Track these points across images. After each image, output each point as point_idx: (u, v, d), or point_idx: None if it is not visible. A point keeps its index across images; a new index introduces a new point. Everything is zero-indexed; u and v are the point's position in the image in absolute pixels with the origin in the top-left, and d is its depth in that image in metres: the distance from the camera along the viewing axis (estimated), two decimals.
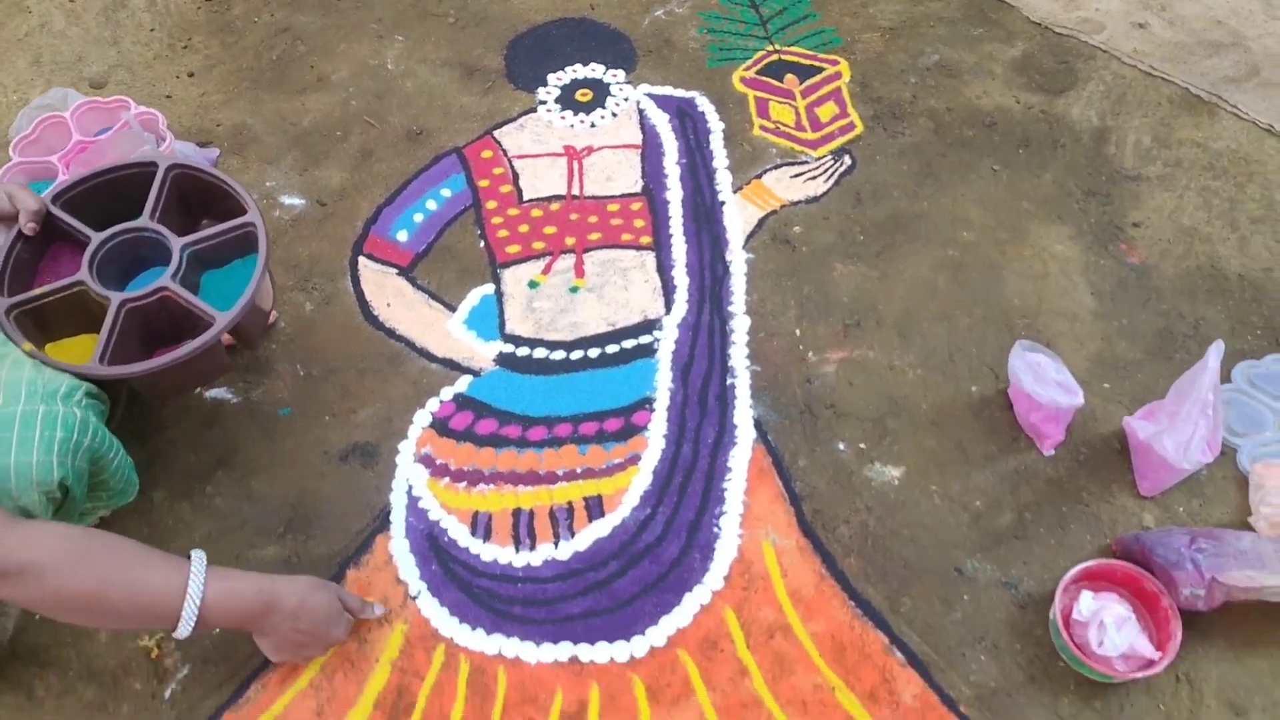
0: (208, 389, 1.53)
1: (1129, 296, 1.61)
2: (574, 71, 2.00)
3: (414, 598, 1.35)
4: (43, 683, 1.28)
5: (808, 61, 2.00)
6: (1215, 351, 1.30)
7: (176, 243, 1.31)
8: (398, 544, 1.40)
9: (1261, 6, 2.01)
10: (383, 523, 1.42)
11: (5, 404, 1.13)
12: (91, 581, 1.05)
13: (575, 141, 1.86)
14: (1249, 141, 1.79)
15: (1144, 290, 1.61)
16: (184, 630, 1.09)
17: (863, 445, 1.47)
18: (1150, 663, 1.22)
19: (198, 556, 1.12)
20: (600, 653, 1.30)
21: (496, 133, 1.88)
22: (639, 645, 1.31)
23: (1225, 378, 1.50)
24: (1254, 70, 1.88)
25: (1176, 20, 2.00)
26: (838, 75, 1.97)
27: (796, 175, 1.79)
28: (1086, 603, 1.27)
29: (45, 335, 1.28)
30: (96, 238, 1.31)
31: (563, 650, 1.31)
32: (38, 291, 1.26)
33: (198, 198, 1.41)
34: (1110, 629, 1.24)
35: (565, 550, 1.39)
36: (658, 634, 1.32)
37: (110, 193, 1.37)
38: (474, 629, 1.33)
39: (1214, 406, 1.32)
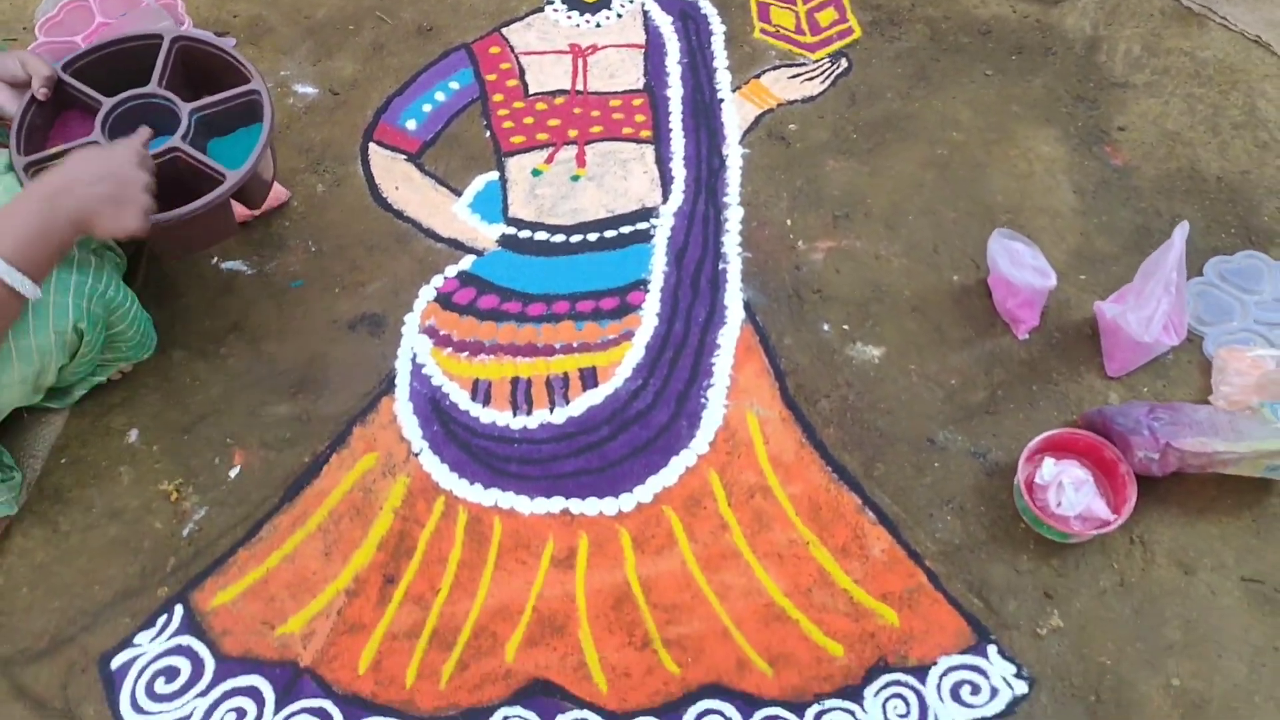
0: (226, 253, 1.61)
1: (1109, 195, 1.66)
2: None
3: (416, 454, 1.43)
4: (67, 519, 1.38)
5: None
6: (1180, 232, 1.36)
7: (185, 107, 1.37)
8: (402, 406, 1.48)
9: None
10: (388, 386, 1.50)
11: None
12: None
13: (580, 40, 1.91)
14: (1235, 51, 1.84)
15: (1125, 190, 1.67)
16: (21, 283, 1.09)
17: (846, 326, 1.54)
18: (1106, 524, 1.30)
19: None
20: (590, 506, 1.39)
21: (504, 30, 1.93)
22: (626, 501, 1.39)
23: (1197, 271, 1.56)
24: None
25: None
26: None
27: (794, 76, 1.84)
28: (1048, 468, 1.35)
29: None
30: (107, 102, 1.36)
31: (555, 504, 1.39)
32: (53, 150, 1.32)
33: (202, 73, 1.46)
34: (1069, 489, 1.32)
35: (560, 415, 1.47)
36: (645, 491, 1.40)
37: (118, 64, 1.42)
38: (472, 483, 1.41)
39: (1177, 286, 1.38)
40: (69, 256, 1.21)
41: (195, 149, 1.35)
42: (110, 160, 1.19)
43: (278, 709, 1.24)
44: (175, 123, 1.36)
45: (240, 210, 1.57)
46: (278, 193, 1.65)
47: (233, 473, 1.42)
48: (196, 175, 1.34)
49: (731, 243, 1.64)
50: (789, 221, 1.66)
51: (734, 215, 1.67)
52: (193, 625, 1.30)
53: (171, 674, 1.26)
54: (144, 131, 1.27)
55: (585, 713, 1.24)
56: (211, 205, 1.30)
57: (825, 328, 1.54)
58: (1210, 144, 1.72)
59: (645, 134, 1.77)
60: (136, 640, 1.28)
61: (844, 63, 1.87)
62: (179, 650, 1.28)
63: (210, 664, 1.27)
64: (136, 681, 1.25)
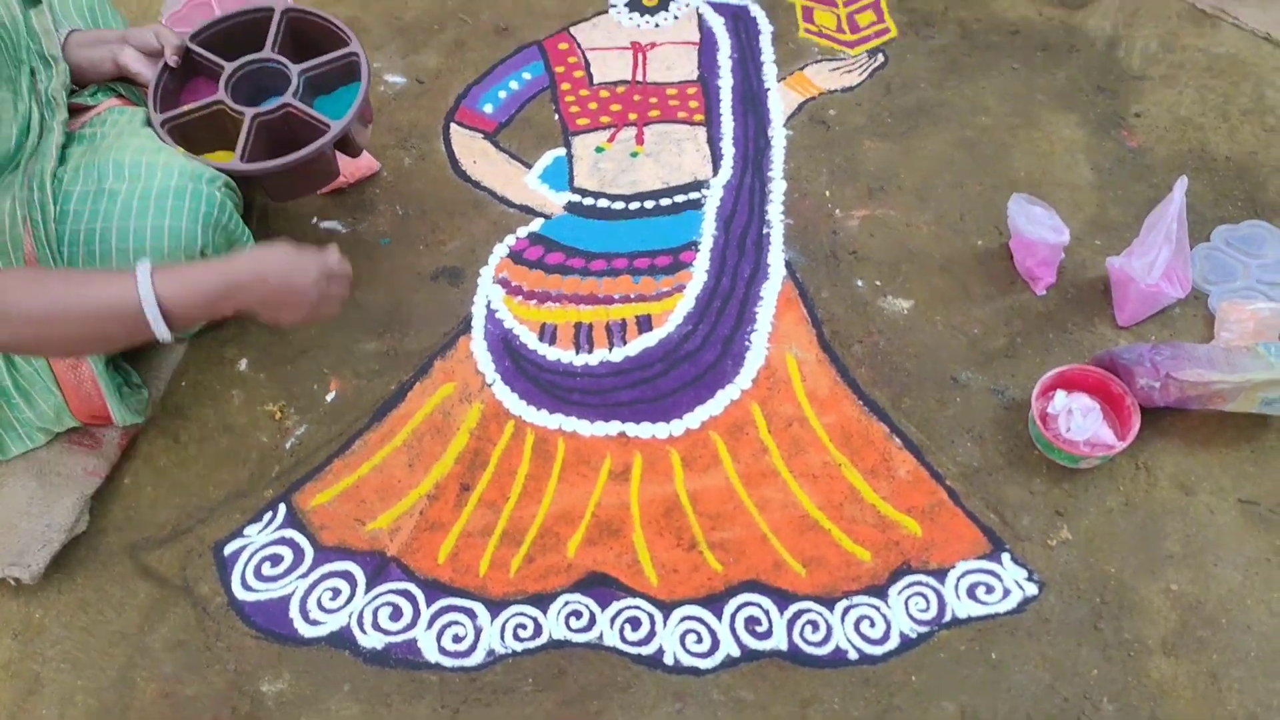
0: (324, 212, 1.81)
1: (1124, 172, 1.81)
2: None
3: (489, 385, 1.61)
4: (186, 432, 1.57)
5: None
6: (1180, 186, 1.51)
7: (295, 69, 1.58)
8: (477, 344, 1.66)
9: None
10: (465, 327, 1.68)
11: (163, 178, 1.39)
12: (47, 300, 1.17)
13: (641, 38, 2.11)
14: (1246, 47, 1.98)
15: (1139, 167, 1.82)
16: (161, 331, 1.21)
17: (878, 282, 1.70)
18: (1112, 448, 1.44)
19: (141, 264, 1.22)
20: (644, 430, 1.55)
21: (572, 29, 2.14)
22: (676, 426, 1.55)
23: (1205, 237, 1.70)
24: None
25: None
26: None
27: (835, 69, 2.02)
28: (1059, 400, 1.49)
29: (189, 149, 1.50)
30: (229, 67, 1.57)
31: (612, 427, 1.56)
32: (186, 108, 1.53)
33: (308, 39, 1.66)
34: (1077, 415, 1.45)
35: (618, 354, 1.64)
36: (693, 419, 1.56)
37: (237, 34, 1.63)
38: (539, 410, 1.58)
39: (1178, 237, 1.52)
40: (199, 190, 1.41)
41: (304, 105, 1.56)
42: (299, 271, 1.31)
43: (369, 589, 1.41)
44: (286, 83, 1.57)
45: (338, 179, 1.78)
46: (370, 163, 1.86)
47: (329, 397, 1.60)
48: (305, 127, 1.54)
49: (775, 210, 1.81)
50: (828, 193, 1.82)
51: (777, 188, 1.84)
52: (294, 521, 1.48)
53: (276, 560, 1.44)
54: (333, 250, 1.39)
55: (639, 600, 1.39)
56: (318, 152, 1.50)
57: (859, 283, 1.70)
58: (1220, 128, 1.86)
59: (698, 118, 1.96)
60: (246, 532, 1.46)
61: (880, 58, 2.04)
62: (282, 541, 1.46)
63: (310, 552, 1.45)
64: (246, 565, 1.43)
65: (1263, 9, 2.01)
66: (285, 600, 1.41)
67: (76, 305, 1.20)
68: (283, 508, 1.49)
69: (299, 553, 1.44)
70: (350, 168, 1.83)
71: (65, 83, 1.47)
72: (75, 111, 1.52)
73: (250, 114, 1.53)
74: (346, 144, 1.60)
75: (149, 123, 1.51)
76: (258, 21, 1.64)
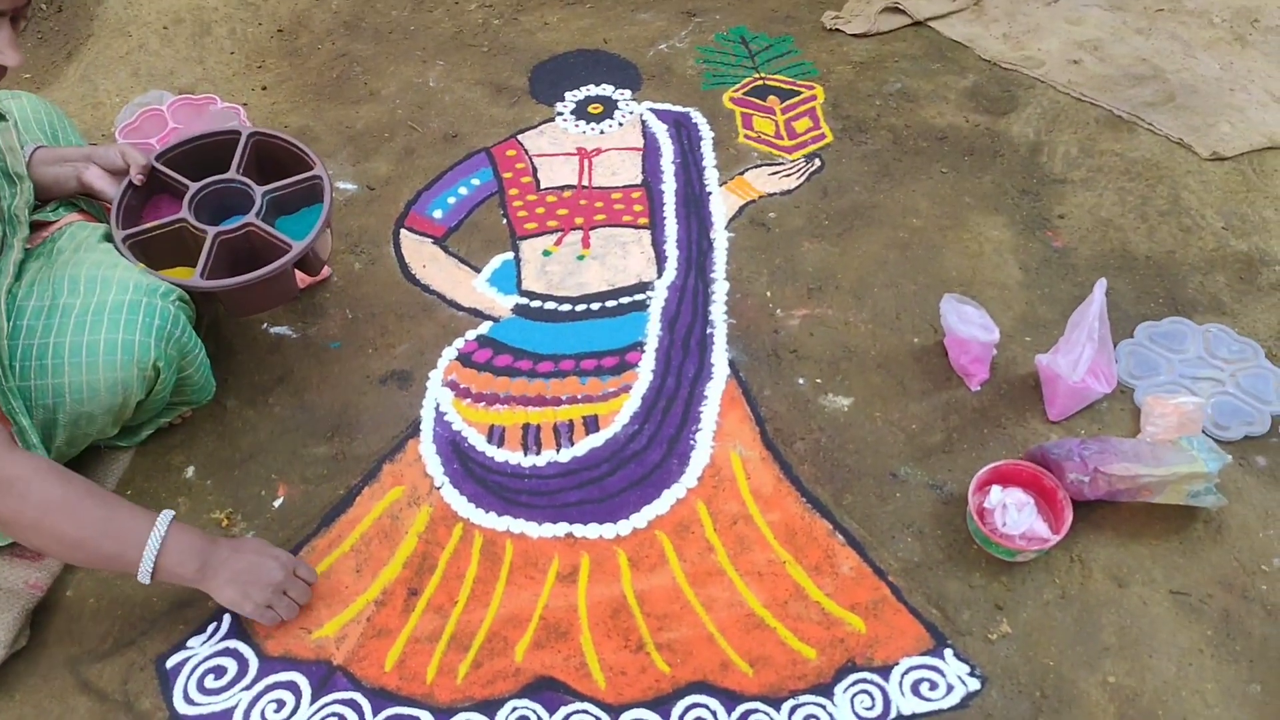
0: (275, 319, 1.83)
1: (1051, 272, 1.89)
2: (588, 90, 2.34)
3: (438, 488, 1.62)
4: None
5: (788, 86, 2.33)
6: (1099, 287, 1.58)
7: (259, 190, 1.63)
8: (426, 446, 1.68)
9: (1181, 48, 2.33)
10: (414, 430, 1.70)
11: (117, 292, 1.42)
12: (72, 501, 1.26)
13: (586, 144, 2.18)
14: (1161, 152, 2.10)
15: (1064, 267, 1.90)
16: (144, 575, 1.30)
17: (819, 380, 1.75)
18: (1046, 541, 1.48)
19: (165, 515, 1.33)
20: (591, 531, 1.57)
21: (520, 136, 2.21)
22: (624, 526, 1.57)
23: (1129, 334, 1.78)
24: (1170, 97, 2.19)
25: (1107, 58, 2.32)
26: (813, 98, 2.29)
27: (773, 173, 2.10)
28: (995, 494, 1.53)
29: (150, 264, 1.55)
30: (194, 186, 1.62)
31: (560, 528, 1.57)
32: (149, 225, 1.56)
33: (271, 161, 1.72)
34: (1012, 510, 1.50)
35: (566, 455, 1.66)
36: (640, 519, 1.58)
37: (201, 156, 1.68)
38: (487, 512, 1.59)
39: (1100, 335, 1.59)
40: (153, 304, 1.43)
41: (266, 225, 1.59)
42: (270, 556, 1.41)
43: (314, 700, 1.39)
44: (249, 202, 1.61)
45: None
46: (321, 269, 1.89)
47: (276, 503, 1.60)
48: (266, 246, 1.58)
49: (718, 311, 1.86)
50: (769, 293, 1.88)
51: (720, 288, 1.89)
52: (239, 630, 1.46)
53: (220, 672, 1.42)
54: (306, 566, 1.47)
55: (586, 705, 1.39)
56: (280, 270, 1.54)
57: (800, 381, 1.75)
58: (1140, 229, 1.96)
59: (643, 221, 2.02)
60: (189, 644, 1.45)
61: (817, 162, 2.13)
62: (226, 652, 1.44)
63: (254, 662, 1.43)
64: (189, 678, 1.41)
65: (1175, 115, 2.13)
66: (229, 714, 1.38)
67: (91, 521, 1.28)
68: (227, 617, 1.47)
69: (243, 663, 1.43)
70: (301, 275, 1.86)
71: (29, 200, 1.50)
72: (36, 227, 1.54)
73: (213, 232, 1.57)
74: (306, 263, 1.63)
75: (109, 238, 1.53)
76: (222, 143, 1.68)
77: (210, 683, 1.41)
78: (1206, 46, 2.33)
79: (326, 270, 1.91)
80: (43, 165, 1.56)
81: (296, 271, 1.66)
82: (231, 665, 1.43)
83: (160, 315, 1.43)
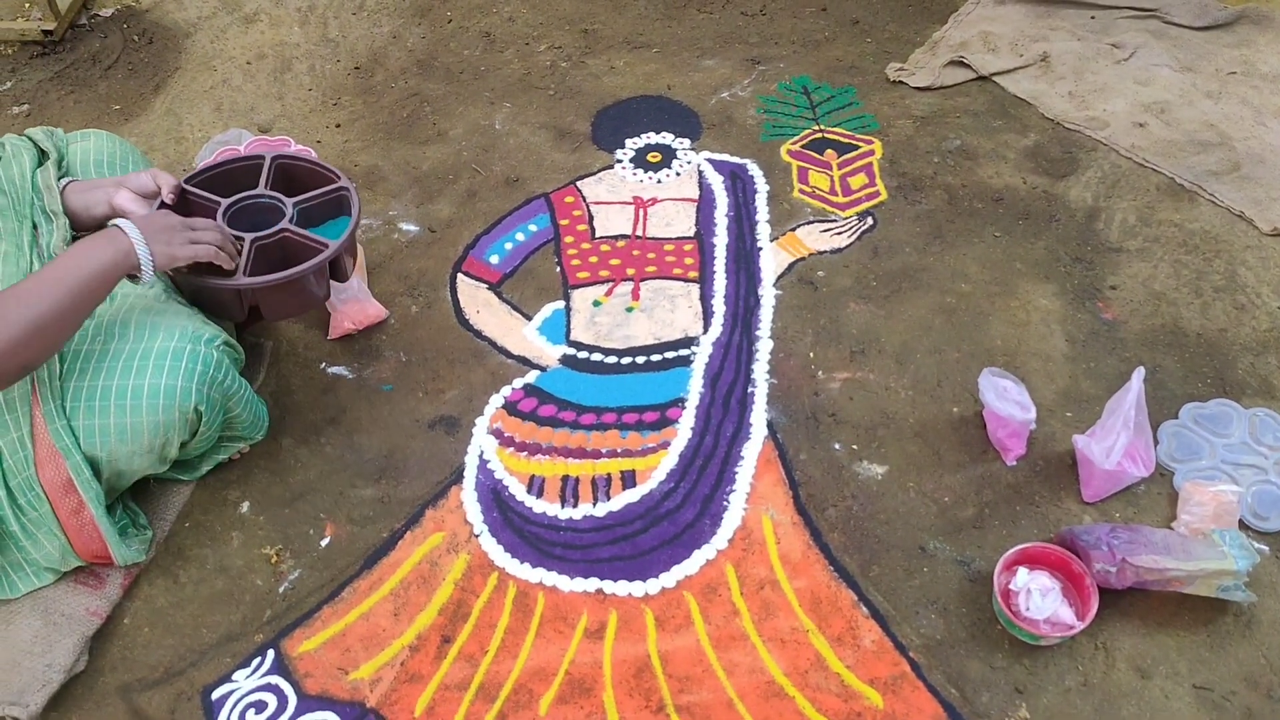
0: (332, 358, 1.91)
1: (1098, 345, 1.88)
2: (648, 138, 2.38)
3: (477, 536, 1.68)
4: (185, 573, 1.65)
5: (847, 140, 2.35)
6: (1138, 375, 1.58)
7: (289, 201, 1.74)
8: (468, 494, 1.74)
9: (1251, 114, 2.29)
10: (457, 477, 1.76)
11: (164, 339, 1.50)
12: (26, 289, 1.34)
13: (643, 193, 2.23)
14: (1221, 224, 2.07)
15: (1112, 341, 1.89)
16: (145, 265, 1.43)
17: (855, 446, 1.77)
18: (1071, 628, 1.48)
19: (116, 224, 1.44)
20: (621, 588, 1.61)
21: (579, 183, 2.27)
22: (653, 585, 1.61)
23: (1173, 415, 1.76)
24: (1235, 166, 2.15)
25: (1173, 122, 2.29)
26: (871, 153, 2.31)
27: (825, 230, 2.12)
28: (1021, 577, 1.54)
29: (187, 278, 1.63)
30: (225, 202, 1.72)
31: (591, 584, 1.62)
32: None
33: (297, 181, 1.82)
34: (1036, 595, 1.50)
35: (601, 510, 1.71)
36: (669, 578, 1.62)
37: (228, 180, 1.79)
38: (522, 563, 1.65)
39: (1137, 423, 1.59)
40: (197, 350, 1.50)
41: (300, 229, 1.70)
42: (160, 218, 1.50)
43: None
44: (280, 216, 1.72)
45: (346, 325, 1.89)
46: (379, 311, 1.97)
47: (324, 542, 1.68)
48: (301, 249, 1.68)
49: (760, 370, 1.89)
50: (811, 354, 1.90)
51: (764, 346, 1.92)
52: (281, 667, 1.54)
53: (260, 707, 1.50)
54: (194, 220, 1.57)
55: None
56: (314, 269, 1.64)
57: (837, 446, 1.77)
58: (1193, 304, 1.94)
59: (693, 275, 2.06)
60: (234, 677, 1.53)
61: (870, 220, 2.14)
62: (268, 688, 1.52)
63: (293, 700, 1.50)
64: (231, 711, 1.49)
65: (1238, 187, 2.10)
66: None
67: (67, 280, 1.37)
68: (271, 653, 1.55)
69: (283, 700, 1.50)
70: (359, 315, 1.94)
71: (66, 237, 1.58)
72: None
73: (250, 238, 1.66)
74: (337, 269, 1.73)
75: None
76: (249, 169, 1.79)
77: (251, 716, 1.49)
78: (1278, 113, 2.28)
79: (384, 312, 1.98)
80: (74, 194, 1.62)
81: (332, 283, 1.76)
82: (272, 700, 1.50)
83: (204, 361, 1.51)
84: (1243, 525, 1.60)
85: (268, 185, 1.77)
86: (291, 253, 1.69)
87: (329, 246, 1.67)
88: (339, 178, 1.79)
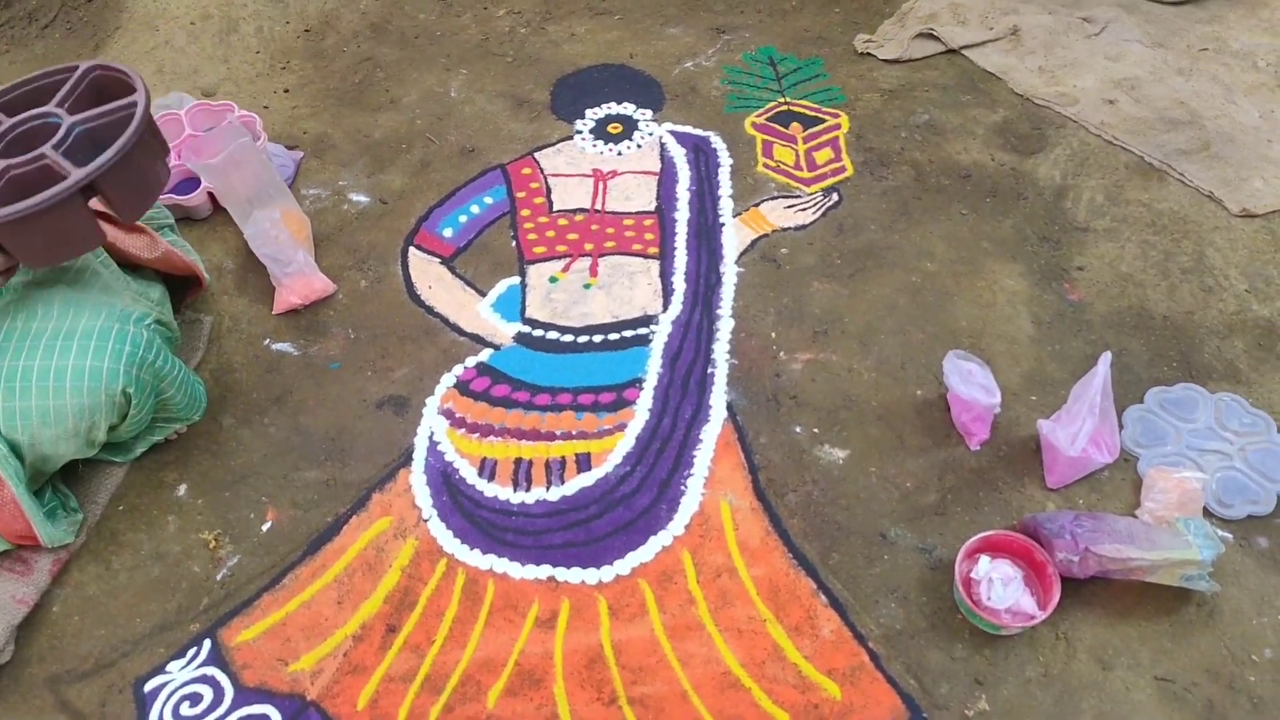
0: (277, 335, 1.84)
1: (1064, 327, 1.85)
2: (609, 108, 2.31)
3: (426, 520, 1.62)
4: (118, 559, 1.58)
5: (813, 113, 2.29)
6: (1104, 360, 1.54)
7: (68, 119, 1.42)
8: (417, 477, 1.68)
9: (1222, 92, 2.25)
10: (406, 459, 1.70)
11: (89, 318, 1.43)
12: None
13: (603, 166, 2.16)
14: (1190, 205, 2.03)
15: (1078, 323, 1.85)
16: None
17: (816, 430, 1.72)
18: (1032, 618, 1.45)
19: None
20: (574, 575, 1.56)
21: (537, 154, 2.19)
22: (606, 572, 1.57)
23: (1139, 399, 1.73)
24: (1205, 145, 2.12)
25: (1143, 99, 2.25)
26: (837, 126, 2.25)
27: (789, 206, 2.07)
28: (983, 565, 1.51)
29: None
30: (7, 121, 1.45)
31: (543, 571, 1.57)
32: None
33: (112, 97, 1.48)
34: (998, 584, 1.47)
35: (555, 494, 1.65)
36: (624, 565, 1.57)
37: (37, 97, 1.49)
38: (472, 549, 1.59)
39: (1102, 409, 1.55)
40: (124, 330, 1.43)
41: (59, 156, 1.36)
42: None
43: None
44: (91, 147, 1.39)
45: (292, 300, 1.81)
46: (325, 285, 1.89)
47: (265, 527, 1.61)
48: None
49: (721, 350, 1.84)
50: (773, 334, 1.85)
51: (725, 326, 1.87)
52: (217, 658, 1.48)
53: (195, 699, 1.44)
54: None
55: None
56: (53, 202, 1.30)
57: (798, 430, 1.72)
58: (1160, 286, 1.91)
59: (653, 250, 2.00)
60: (168, 668, 1.47)
61: (835, 197, 2.09)
62: (204, 679, 1.46)
63: (230, 692, 1.44)
64: (165, 704, 1.43)
65: (1208, 166, 2.07)
66: None
67: None
68: (207, 643, 1.49)
69: (219, 692, 1.44)
70: (306, 290, 1.87)
71: None
72: None
73: (1, 165, 1.37)
74: (113, 201, 1.40)
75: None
76: (61, 84, 1.49)
77: (186, 709, 1.43)
78: (1248, 91, 2.25)
79: (331, 286, 1.91)
80: None
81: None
82: (208, 693, 1.44)
83: (132, 341, 1.44)
84: (1207, 512, 1.58)
85: (68, 100, 1.46)
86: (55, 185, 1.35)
87: (70, 175, 1.32)
88: (136, 88, 1.45)
